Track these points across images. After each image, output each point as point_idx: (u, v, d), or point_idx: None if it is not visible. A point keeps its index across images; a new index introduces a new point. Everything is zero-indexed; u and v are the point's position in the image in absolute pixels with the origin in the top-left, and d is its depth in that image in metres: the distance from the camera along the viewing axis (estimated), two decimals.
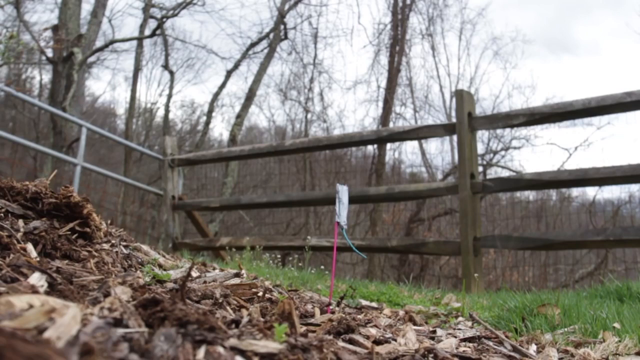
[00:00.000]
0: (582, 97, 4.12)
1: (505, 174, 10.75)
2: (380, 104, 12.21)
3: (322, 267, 3.76)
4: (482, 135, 11.27)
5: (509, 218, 8.92)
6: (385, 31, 12.45)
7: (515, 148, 11.84)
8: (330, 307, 1.46)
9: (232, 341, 0.66)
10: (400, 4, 12.18)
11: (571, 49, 23.86)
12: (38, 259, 1.09)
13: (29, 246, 1.12)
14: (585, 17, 25.41)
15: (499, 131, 11.17)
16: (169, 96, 13.38)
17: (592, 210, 9.49)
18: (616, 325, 1.63)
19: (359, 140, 5.21)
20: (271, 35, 12.08)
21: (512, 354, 1.25)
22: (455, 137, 6.49)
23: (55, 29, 9.90)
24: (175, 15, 11.81)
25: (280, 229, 11.47)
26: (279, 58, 13.03)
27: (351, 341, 1.05)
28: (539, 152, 12.32)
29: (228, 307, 1.16)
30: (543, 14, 23.75)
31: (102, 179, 10.41)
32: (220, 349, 0.63)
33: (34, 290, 0.83)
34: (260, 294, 1.37)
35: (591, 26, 25.37)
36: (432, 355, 1.01)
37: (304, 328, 1.09)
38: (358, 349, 0.98)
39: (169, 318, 0.68)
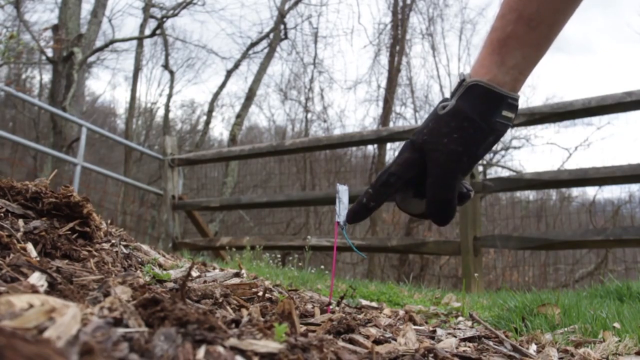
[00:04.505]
0: (582, 97, 4.12)
1: (505, 173, 10.75)
2: (381, 104, 12.22)
3: (322, 267, 3.76)
4: None
5: (509, 218, 8.92)
6: (385, 31, 12.46)
7: (515, 148, 11.86)
8: (330, 307, 1.46)
9: (232, 341, 0.66)
10: (401, 4, 12.18)
11: (563, 47, 23.94)
12: (38, 258, 1.09)
13: (29, 246, 1.12)
14: (576, 15, 25.44)
15: None
16: (169, 96, 13.38)
17: (592, 210, 9.50)
18: (616, 325, 1.63)
19: (359, 140, 5.21)
20: (271, 35, 12.08)
21: (512, 353, 1.25)
22: None
23: (55, 28, 9.91)
24: (175, 15, 11.81)
25: (280, 228, 11.48)
26: (279, 58, 13.05)
27: (351, 341, 1.05)
28: (539, 152, 12.32)
29: (228, 307, 1.16)
30: None
31: (102, 179, 10.42)
32: (220, 349, 0.63)
33: (34, 290, 0.83)
34: (260, 293, 1.37)
35: (581, 25, 25.44)
36: (432, 354, 1.01)
37: (304, 328, 1.09)
38: (358, 349, 0.98)
39: (169, 318, 0.68)
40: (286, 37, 12.20)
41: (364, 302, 2.05)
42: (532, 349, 1.35)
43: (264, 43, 12.27)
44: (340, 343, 0.99)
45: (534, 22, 0.90)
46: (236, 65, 12.30)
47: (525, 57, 0.93)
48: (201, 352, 0.61)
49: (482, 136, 0.94)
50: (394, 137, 5.03)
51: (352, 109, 30.62)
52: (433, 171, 0.96)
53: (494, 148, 11.75)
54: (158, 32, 11.91)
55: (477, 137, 0.93)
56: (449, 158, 0.93)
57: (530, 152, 12.73)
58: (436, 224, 1.02)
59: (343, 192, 1.33)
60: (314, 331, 1.08)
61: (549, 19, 0.91)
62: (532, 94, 20.76)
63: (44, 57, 10.50)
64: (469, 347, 1.28)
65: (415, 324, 1.62)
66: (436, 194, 0.96)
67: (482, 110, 0.93)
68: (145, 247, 1.72)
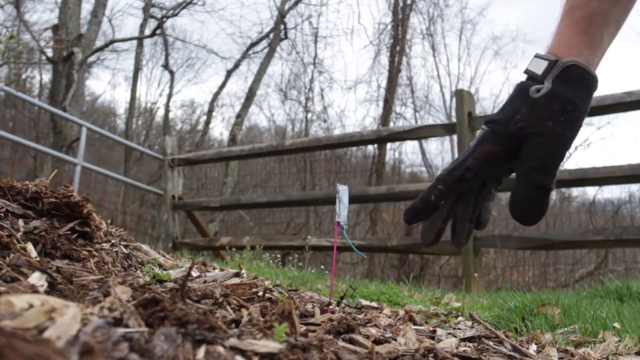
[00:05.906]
0: None
1: None
2: (381, 104, 12.22)
3: (322, 266, 3.76)
4: None
5: (509, 218, 8.90)
6: (385, 31, 12.46)
7: None
8: (330, 307, 1.46)
9: (232, 341, 0.66)
10: (401, 4, 12.18)
11: None
12: (38, 258, 1.09)
13: (29, 246, 1.12)
14: None
15: None
16: (169, 96, 13.39)
17: (592, 210, 9.49)
18: (616, 325, 1.63)
19: (359, 140, 5.21)
20: (271, 35, 12.08)
21: (512, 353, 1.25)
22: (455, 137, 6.49)
23: (55, 28, 9.91)
24: (175, 15, 11.82)
25: (280, 228, 11.47)
26: (279, 58, 13.05)
27: (351, 341, 1.05)
28: None
29: (228, 307, 1.16)
30: (542, 13, 23.80)
31: (102, 179, 10.42)
32: (220, 349, 0.63)
33: (34, 289, 0.83)
34: (260, 293, 1.37)
35: None
36: (432, 355, 1.01)
37: (304, 328, 1.09)
38: (358, 349, 0.98)
39: (169, 318, 0.68)
40: (286, 37, 12.20)
41: (364, 302, 2.05)
42: (532, 349, 1.35)
43: (264, 43, 12.28)
44: (340, 343, 0.99)
45: None
46: (236, 65, 12.31)
47: (609, 35, 0.87)
48: (201, 352, 0.61)
49: (582, 122, 0.86)
50: (394, 137, 5.03)
51: (352, 109, 30.64)
52: (535, 155, 0.85)
53: None
54: (158, 32, 11.91)
55: (579, 122, 0.86)
56: (556, 142, 0.84)
57: None
58: (522, 223, 0.89)
59: (343, 192, 1.33)
60: (314, 331, 1.08)
61: None
62: None
63: (44, 57, 10.51)
64: (469, 347, 1.28)
65: (415, 324, 1.62)
66: (536, 180, 0.85)
67: (581, 94, 0.85)
68: (145, 247, 1.72)
